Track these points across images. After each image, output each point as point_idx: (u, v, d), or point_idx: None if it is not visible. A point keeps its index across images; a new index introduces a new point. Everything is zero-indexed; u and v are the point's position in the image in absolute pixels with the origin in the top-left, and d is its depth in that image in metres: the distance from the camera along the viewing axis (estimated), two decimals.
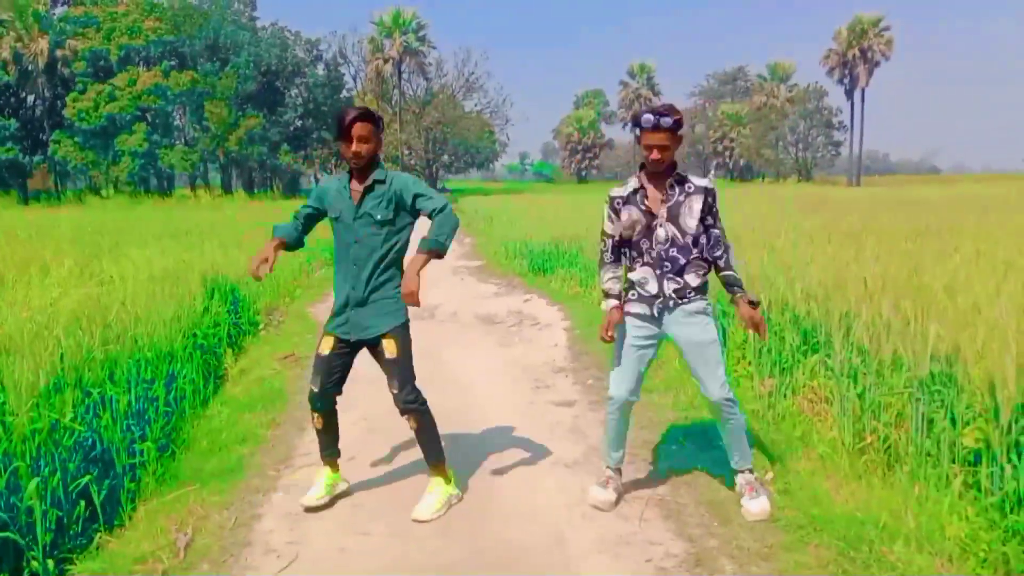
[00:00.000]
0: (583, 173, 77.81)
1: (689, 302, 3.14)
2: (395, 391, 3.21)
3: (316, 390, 3.27)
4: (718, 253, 3.17)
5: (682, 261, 3.12)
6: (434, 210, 3.14)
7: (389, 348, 3.19)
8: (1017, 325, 3.21)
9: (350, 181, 3.21)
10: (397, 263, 3.25)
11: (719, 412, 3.20)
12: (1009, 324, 3.22)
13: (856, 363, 3.71)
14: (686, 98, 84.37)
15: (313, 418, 3.36)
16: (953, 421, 3.12)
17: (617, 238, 3.23)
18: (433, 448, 3.34)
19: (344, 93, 48.08)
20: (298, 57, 44.62)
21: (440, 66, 51.69)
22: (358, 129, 3.07)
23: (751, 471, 3.31)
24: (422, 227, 3.19)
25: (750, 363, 4.69)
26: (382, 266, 3.19)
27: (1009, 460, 2.85)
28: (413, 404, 3.22)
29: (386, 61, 48.94)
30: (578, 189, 51.84)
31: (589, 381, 5.32)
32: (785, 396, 4.19)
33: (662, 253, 3.12)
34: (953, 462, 3.07)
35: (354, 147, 3.09)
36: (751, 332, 3.26)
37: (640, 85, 73.84)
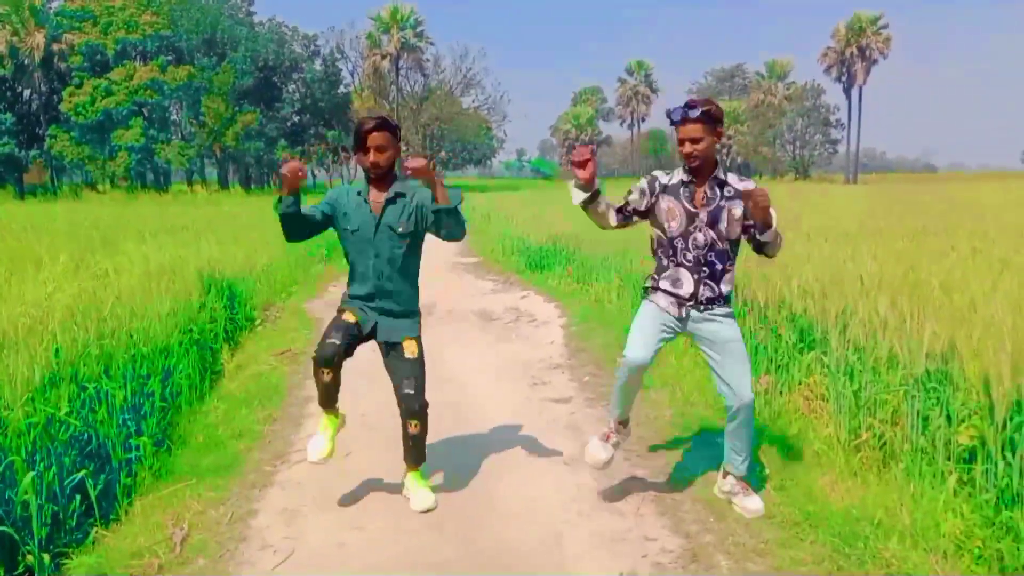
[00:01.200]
0: None
1: (718, 307, 3.09)
2: (410, 391, 3.17)
3: (337, 343, 3.09)
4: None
5: (719, 267, 3.05)
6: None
7: (410, 348, 3.21)
8: (1013, 322, 3.22)
9: (368, 191, 3.16)
10: (417, 275, 3.29)
11: (742, 412, 3.07)
12: (1005, 321, 3.22)
13: (852, 360, 3.72)
14: (684, 95, 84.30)
15: (322, 373, 3.15)
16: (948, 418, 3.13)
17: (631, 209, 3.08)
18: (423, 450, 3.36)
19: (341, 89, 47.95)
20: (295, 52, 44.53)
21: (438, 62, 51.46)
22: (375, 139, 3.04)
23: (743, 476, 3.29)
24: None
25: None
26: (404, 279, 3.21)
27: (1004, 457, 2.85)
28: (424, 410, 3.23)
29: (384, 57, 48.68)
30: None
31: (586, 378, 5.31)
32: (781, 393, 4.19)
33: (701, 257, 3.03)
34: (948, 459, 3.07)
35: (372, 157, 3.06)
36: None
37: (638, 82, 73.40)
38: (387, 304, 3.21)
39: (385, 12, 48.17)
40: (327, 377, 3.17)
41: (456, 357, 5.94)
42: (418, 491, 3.34)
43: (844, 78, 57.25)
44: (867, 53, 55.31)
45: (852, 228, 9.09)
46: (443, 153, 55.22)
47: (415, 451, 3.33)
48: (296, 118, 44.97)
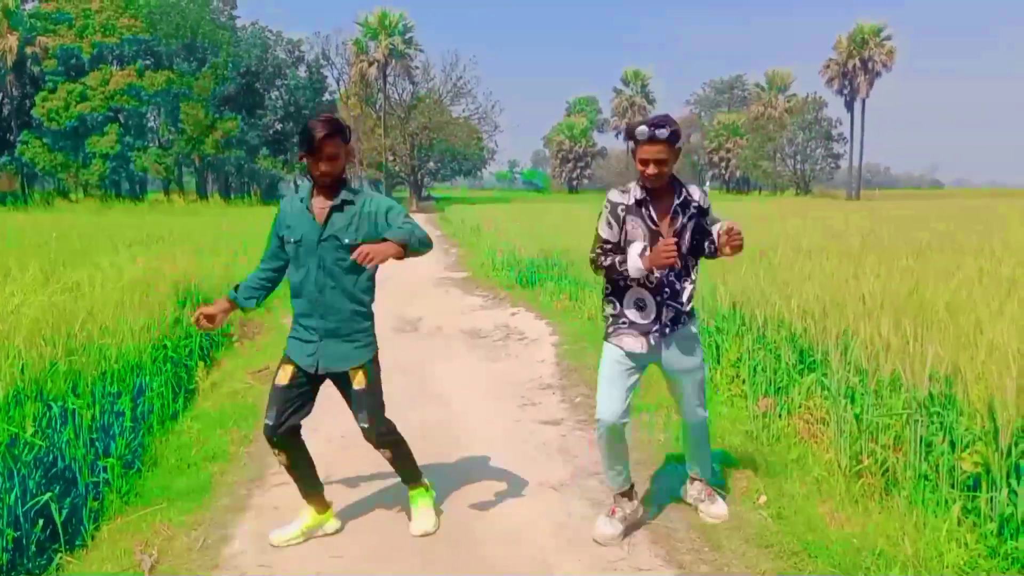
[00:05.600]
0: (574, 183, 76.51)
1: (684, 327, 3.10)
2: (365, 425, 2.99)
3: (271, 423, 2.94)
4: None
5: (678, 286, 3.05)
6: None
7: (357, 379, 2.99)
8: (1019, 346, 3.17)
9: (311, 198, 2.93)
10: (369, 291, 3.02)
11: (697, 428, 3.31)
12: (1011, 345, 3.17)
13: (854, 383, 3.66)
14: (681, 106, 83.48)
15: (275, 454, 3.03)
16: (952, 444, 3.07)
17: (612, 246, 3.00)
18: (410, 469, 3.25)
19: (327, 96, 47.58)
20: (279, 58, 44.14)
21: (427, 70, 50.99)
22: (329, 147, 2.79)
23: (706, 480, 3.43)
24: None
25: (744, 382, 4.61)
26: (351, 295, 2.95)
27: (1008, 485, 2.80)
28: (388, 436, 3.08)
29: (371, 64, 48.26)
30: (569, 199, 51.12)
31: (577, 399, 5.20)
32: (780, 416, 4.13)
33: (663, 279, 3.00)
34: (952, 487, 3.02)
35: (323, 167, 2.81)
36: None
37: (634, 93, 70.33)
38: (329, 323, 2.94)
39: (373, 18, 47.84)
40: (283, 459, 3.03)
41: (443, 376, 5.84)
42: (417, 512, 3.25)
43: (846, 91, 55.49)
44: (870, 65, 53.91)
45: (854, 245, 9.03)
46: (431, 163, 54.95)
47: (403, 473, 3.26)
48: (279, 126, 44.49)
